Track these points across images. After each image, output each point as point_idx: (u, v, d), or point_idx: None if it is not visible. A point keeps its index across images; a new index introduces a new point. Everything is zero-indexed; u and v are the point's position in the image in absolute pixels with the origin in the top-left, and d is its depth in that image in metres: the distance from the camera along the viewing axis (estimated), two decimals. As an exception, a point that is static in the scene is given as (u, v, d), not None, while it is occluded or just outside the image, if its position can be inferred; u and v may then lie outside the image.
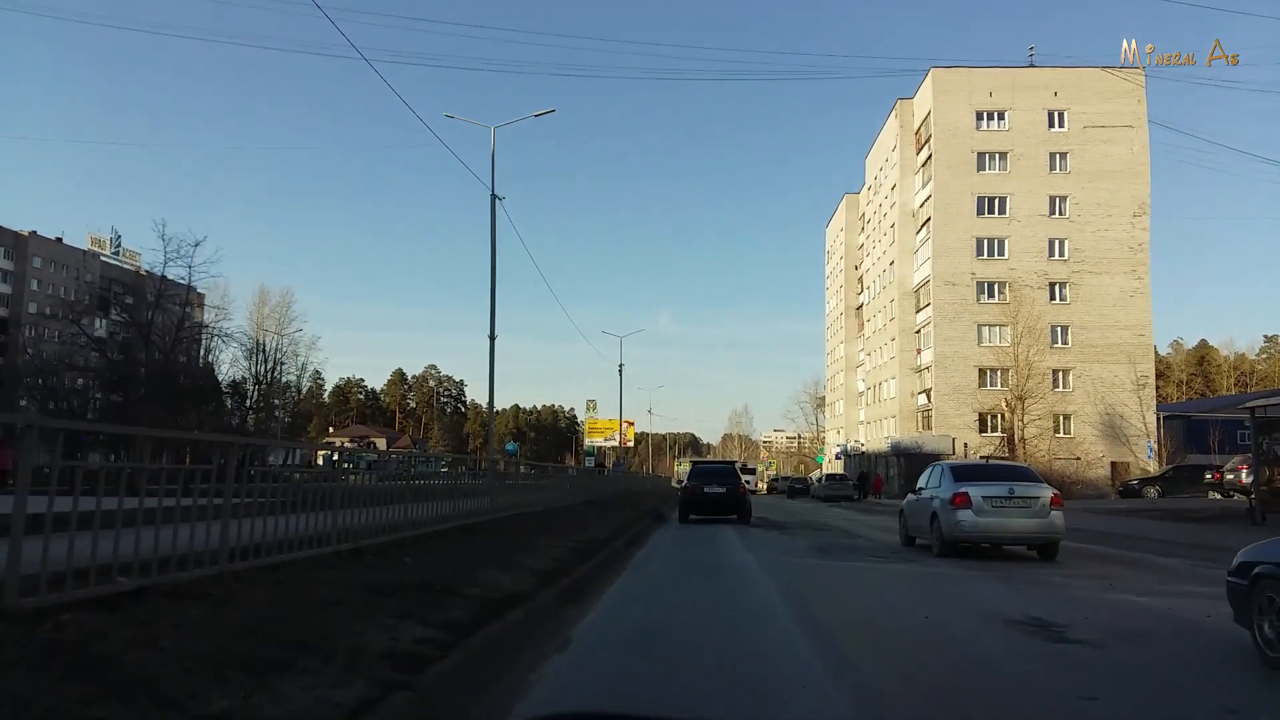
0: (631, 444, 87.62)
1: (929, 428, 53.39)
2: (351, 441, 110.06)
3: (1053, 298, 52.32)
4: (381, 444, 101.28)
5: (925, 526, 13.59)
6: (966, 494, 12.50)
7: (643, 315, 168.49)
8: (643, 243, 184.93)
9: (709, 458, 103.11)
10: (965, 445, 48.81)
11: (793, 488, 59.93)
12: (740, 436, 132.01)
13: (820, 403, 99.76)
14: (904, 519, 15.26)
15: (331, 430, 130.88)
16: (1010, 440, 46.25)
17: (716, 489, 21.82)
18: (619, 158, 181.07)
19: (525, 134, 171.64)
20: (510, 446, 73.65)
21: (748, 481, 41.71)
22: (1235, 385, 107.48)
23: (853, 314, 77.65)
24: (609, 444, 74.69)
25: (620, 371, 58.85)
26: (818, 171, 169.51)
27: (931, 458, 45.35)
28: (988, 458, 49.02)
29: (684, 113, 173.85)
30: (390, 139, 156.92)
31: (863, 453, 68.07)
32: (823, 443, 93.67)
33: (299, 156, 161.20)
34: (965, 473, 13.60)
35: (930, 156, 54.75)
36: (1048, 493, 12.64)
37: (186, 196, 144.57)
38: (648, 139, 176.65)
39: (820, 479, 54.83)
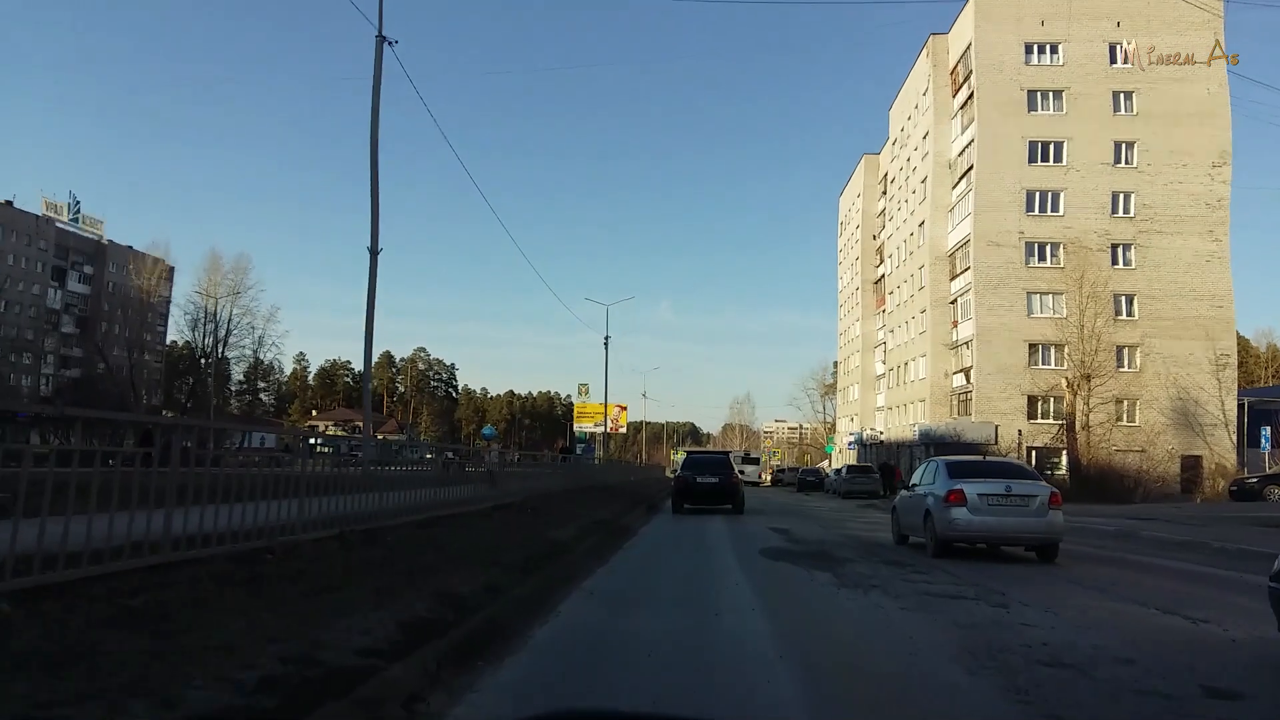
0: (623, 430, 79.93)
1: (966, 413, 45.54)
2: (335, 425, 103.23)
3: (1115, 261, 44.41)
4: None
5: (919, 525, 13.07)
6: (961, 491, 11.99)
7: (642, 302, 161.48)
8: (643, 228, 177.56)
9: (707, 447, 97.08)
10: (1019, 433, 41.02)
11: (804, 480, 52.68)
12: (741, 426, 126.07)
13: (829, 390, 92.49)
14: (897, 516, 14.76)
15: (315, 414, 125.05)
16: (1070, 427, 38.39)
17: (710, 479, 21.50)
18: (614, 146, 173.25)
19: (509, 115, 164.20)
20: (487, 430, 66.49)
21: (744, 473, 36.81)
22: (1274, 378, 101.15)
23: (870, 288, 69.78)
24: (598, 430, 67.27)
25: (606, 345, 51.11)
26: (829, 140, 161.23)
27: (971, 447, 37.74)
28: (1036, 449, 42.16)
29: (681, 92, 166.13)
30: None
31: (881, 442, 60.40)
32: (832, 431, 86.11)
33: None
34: (961, 469, 13.09)
35: (971, 96, 46.85)
36: (1046, 491, 12.22)
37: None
38: (643, 120, 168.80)
39: (841, 471, 47.02)
